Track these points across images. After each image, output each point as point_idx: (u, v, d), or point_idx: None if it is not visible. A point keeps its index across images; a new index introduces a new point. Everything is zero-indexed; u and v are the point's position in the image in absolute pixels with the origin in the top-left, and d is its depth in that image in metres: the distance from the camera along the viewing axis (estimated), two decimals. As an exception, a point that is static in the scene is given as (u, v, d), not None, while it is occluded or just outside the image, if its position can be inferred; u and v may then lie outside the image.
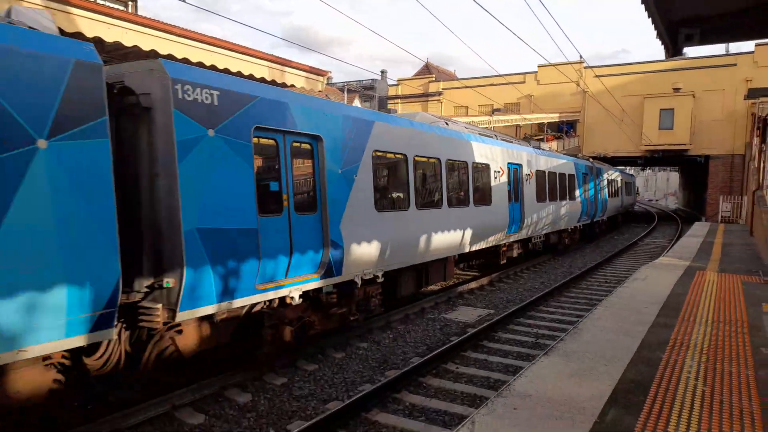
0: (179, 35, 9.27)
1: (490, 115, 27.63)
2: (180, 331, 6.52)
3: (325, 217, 8.13)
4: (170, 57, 9.27)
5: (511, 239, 15.78)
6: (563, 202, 20.36)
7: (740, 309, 8.24)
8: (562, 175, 20.44)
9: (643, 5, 7.17)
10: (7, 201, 4.52)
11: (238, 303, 6.81)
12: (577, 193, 22.35)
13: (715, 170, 34.16)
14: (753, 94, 19.35)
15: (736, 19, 7.94)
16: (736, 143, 33.37)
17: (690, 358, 5.74)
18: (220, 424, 6.17)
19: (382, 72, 51.61)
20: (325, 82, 13.01)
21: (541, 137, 31.85)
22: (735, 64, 33.33)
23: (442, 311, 11.80)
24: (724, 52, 35.53)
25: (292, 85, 12.13)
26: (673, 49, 8.67)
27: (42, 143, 4.78)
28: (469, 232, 12.76)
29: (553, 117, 34.66)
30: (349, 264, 8.66)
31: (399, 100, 44.76)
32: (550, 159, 19.56)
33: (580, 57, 14.92)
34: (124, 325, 5.98)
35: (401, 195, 10.38)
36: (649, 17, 7.58)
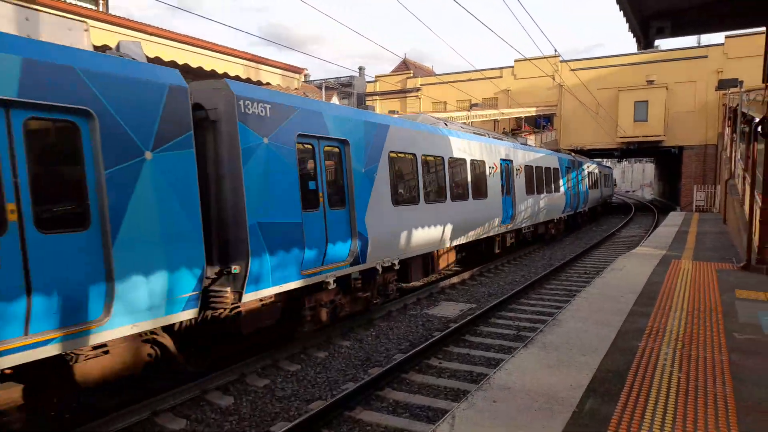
0: (151, 33, 9.14)
1: (468, 110, 27.75)
2: (240, 312, 7.49)
3: (353, 211, 9.30)
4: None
5: (504, 229, 16.99)
6: (549, 195, 21.54)
7: (714, 296, 8.42)
8: (547, 169, 21.57)
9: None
10: (125, 203, 5.59)
11: (287, 287, 7.93)
12: (562, 186, 23.55)
13: (688, 161, 34.82)
14: (723, 85, 19.74)
15: (705, 11, 8.09)
16: (709, 134, 34.05)
17: (666, 346, 5.85)
18: (202, 429, 6.12)
19: (360, 69, 51.41)
20: (302, 79, 12.94)
21: (525, 132, 32.19)
22: (706, 56, 33.97)
23: (424, 307, 11.83)
24: (695, 45, 36.22)
25: (268, 83, 12.05)
26: (645, 42, 8.79)
27: (148, 155, 5.83)
28: (468, 224, 13.98)
29: (531, 111, 34.97)
30: (371, 253, 9.83)
31: (377, 97, 44.72)
32: (537, 154, 20.69)
33: (555, 51, 15.05)
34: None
35: (412, 191, 11.55)
36: (620, 10, 7.68)
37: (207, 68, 10.06)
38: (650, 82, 34.57)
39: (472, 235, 14.40)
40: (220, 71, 10.47)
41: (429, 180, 12.25)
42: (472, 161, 14.50)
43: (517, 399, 4.45)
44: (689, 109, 34.48)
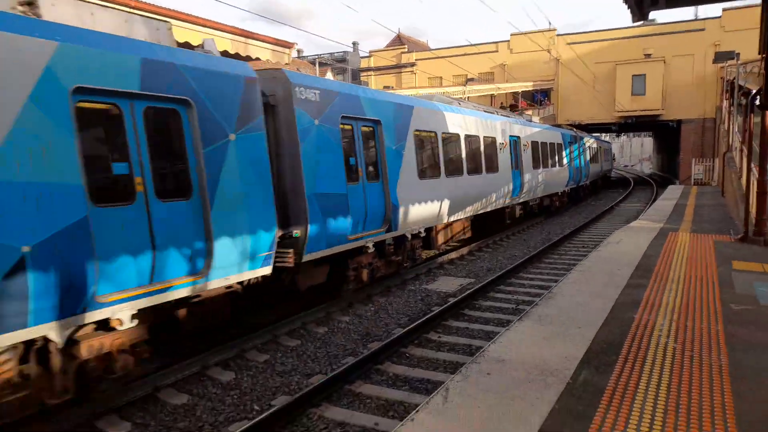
0: (134, 8, 9.00)
1: (464, 85, 27.51)
2: (298, 271, 8.78)
3: (386, 184, 10.51)
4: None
5: (514, 202, 18.20)
6: (553, 169, 22.58)
7: (711, 267, 8.46)
8: (552, 144, 22.53)
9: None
10: (217, 176, 6.75)
11: (336, 249, 9.15)
12: (565, 160, 24.53)
13: (687, 134, 34.72)
14: (719, 57, 19.57)
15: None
16: (707, 107, 33.89)
17: (662, 317, 5.89)
18: (204, 403, 6.19)
19: (354, 44, 50.84)
20: (292, 54, 12.80)
21: (524, 109, 32.03)
22: (704, 29, 33.64)
23: (423, 282, 11.89)
24: (692, 18, 35.84)
25: (257, 58, 11.92)
26: (639, 14, 8.65)
27: (232, 136, 6.97)
28: (482, 196, 15.18)
29: (527, 86, 34.69)
30: (402, 221, 11.05)
31: (372, 73, 44.30)
32: (542, 130, 21.70)
33: (549, 24, 14.87)
34: None
35: (434, 165, 12.60)
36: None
37: (194, 43, 9.92)
38: (648, 55, 34.27)
39: (485, 207, 15.54)
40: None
41: (447, 155, 13.22)
42: (485, 137, 15.49)
43: (510, 371, 4.49)
44: (687, 82, 34.26)
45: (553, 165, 22.60)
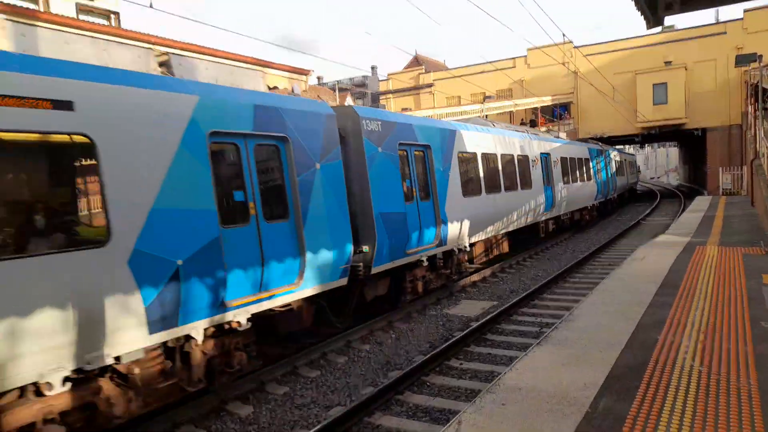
0: (156, 44, 9.26)
1: (482, 103, 27.48)
2: (365, 284, 9.82)
3: (437, 203, 11.50)
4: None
5: (547, 216, 18.98)
6: (582, 184, 23.35)
7: (740, 282, 8.16)
8: (579, 159, 23.37)
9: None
10: (307, 200, 7.84)
11: (398, 263, 10.18)
12: (592, 174, 25.34)
13: (713, 142, 33.90)
14: (741, 60, 19.14)
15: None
16: (733, 113, 33.12)
17: (687, 338, 5.67)
18: (222, 439, 6.15)
19: (373, 68, 51.45)
20: (308, 80, 13.00)
21: (548, 126, 31.96)
22: (725, 33, 33.06)
23: (444, 307, 11.73)
24: (713, 21, 35.28)
25: (275, 87, 12.12)
26: (653, 20, 8.49)
27: (317, 165, 8.13)
28: (518, 212, 16.06)
29: (546, 101, 34.47)
30: (450, 237, 11.98)
31: (391, 95, 44.65)
32: (570, 146, 22.65)
33: (563, 36, 14.87)
34: None
35: (476, 184, 13.60)
36: (623, -16, 7.42)
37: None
38: (668, 63, 33.77)
39: (521, 221, 16.46)
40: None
41: (487, 174, 14.26)
42: (518, 156, 16.49)
43: (527, 400, 4.35)
44: (710, 88, 33.59)
45: (582, 179, 23.32)
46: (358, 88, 49.21)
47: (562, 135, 26.28)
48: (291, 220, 7.67)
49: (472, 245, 13.59)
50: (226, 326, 6.85)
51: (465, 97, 38.90)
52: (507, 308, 10.70)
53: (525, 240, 18.20)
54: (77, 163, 5.66)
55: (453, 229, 12.05)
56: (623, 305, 7.16)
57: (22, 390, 5.03)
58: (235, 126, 6.90)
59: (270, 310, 7.52)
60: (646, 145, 69.36)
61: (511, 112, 31.70)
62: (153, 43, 9.28)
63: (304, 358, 8.46)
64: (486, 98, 30.20)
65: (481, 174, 13.84)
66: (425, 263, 11.24)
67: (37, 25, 8.34)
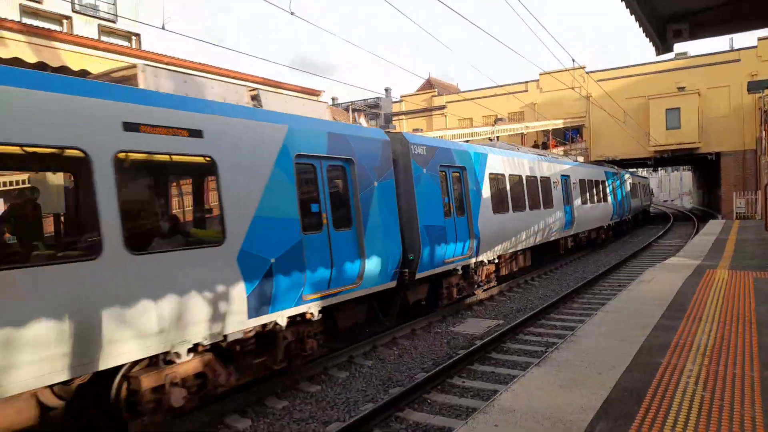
0: (169, 64, 9.43)
1: (493, 125, 27.54)
2: (409, 288, 10.97)
3: (470, 218, 12.76)
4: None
5: (566, 234, 20.18)
6: (599, 204, 24.53)
7: (749, 307, 8.02)
8: (596, 181, 24.58)
9: (624, 3, 7.07)
10: (367, 213, 9.17)
11: (437, 270, 11.45)
12: (609, 196, 26.42)
13: (726, 167, 33.62)
14: (754, 86, 19.08)
15: (725, 11, 7.79)
16: (747, 138, 32.88)
17: (691, 362, 5.56)
18: (219, 452, 6.10)
19: (387, 90, 51.91)
20: (318, 100, 13.16)
21: (559, 148, 32.04)
22: (739, 60, 33.00)
23: (449, 324, 11.64)
24: (727, 48, 35.26)
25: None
26: (663, 47, 8.50)
27: (375, 183, 9.46)
28: (540, 229, 17.13)
29: (558, 124, 34.46)
30: (481, 249, 13.21)
31: (403, 117, 44.89)
32: (588, 169, 24.08)
33: (573, 61, 14.95)
34: None
35: (504, 202, 14.75)
36: (632, 14, 7.45)
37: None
38: (681, 89, 33.71)
39: (543, 238, 17.53)
40: (237, 97, 10.69)
41: (513, 194, 15.46)
42: (541, 177, 17.66)
43: (521, 422, 4.26)
44: (724, 114, 33.42)
45: (599, 200, 24.51)
46: (372, 109, 49.58)
47: (580, 158, 27.52)
48: (354, 230, 8.96)
49: (499, 258, 14.86)
50: (298, 318, 7.96)
51: (477, 119, 39.03)
52: (513, 327, 10.60)
53: (546, 256, 19.19)
54: (203, 179, 7.06)
55: (484, 242, 13.25)
56: (627, 327, 7.04)
57: (152, 359, 6.01)
58: (313, 150, 8.21)
59: (335, 305, 8.72)
60: (660, 168, 68.95)
61: (522, 134, 31.71)
62: (167, 63, 9.47)
63: (305, 372, 8.42)
64: (497, 120, 30.25)
65: (509, 193, 15.07)
66: (459, 272, 12.54)
67: (58, 48, 8.57)
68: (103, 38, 28.86)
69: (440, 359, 9.24)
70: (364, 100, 54.15)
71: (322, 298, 8.19)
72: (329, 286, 8.33)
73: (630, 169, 40.18)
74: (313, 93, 12.87)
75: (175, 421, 6.58)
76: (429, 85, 48.08)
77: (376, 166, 9.55)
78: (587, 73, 35.74)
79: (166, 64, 9.54)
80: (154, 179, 6.69)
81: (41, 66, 8.24)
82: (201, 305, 6.27)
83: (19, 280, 4.77)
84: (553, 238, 18.64)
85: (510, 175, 15.37)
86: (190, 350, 6.26)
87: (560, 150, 32.54)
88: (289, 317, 7.68)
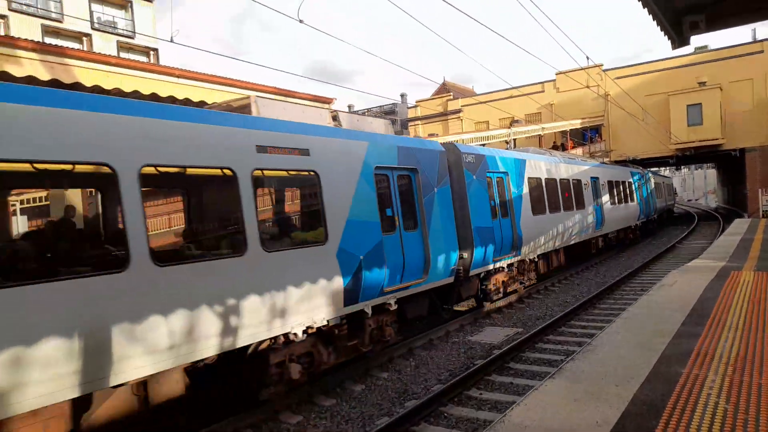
0: (178, 76, 9.50)
1: (509, 128, 27.28)
2: (461, 284, 11.90)
3: (514, 220, 13.84)
4: (174, 98, 9.53)
5: (597, 234, 21.00)
6: (626, 204, 25.15)
7: (776, 311, 7.72)
8: (624, 182, 25.26)
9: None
10: (429, 215, 10.23)
11: (486, 268, 12.60)
12: (635, 196, 27.10)
13: (752, 163, 32.72)
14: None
15: (742, 1, 7.54)
16: (773, 133, 32.00)
17: (713, 372, 5.34)
18: (231, 470, 6.05)
19: (402, 96, 51.99)
20: (331, 109, 13.19)
21: (577, 149, 31.74)
22: (762, 51, 32.15)
23: (467, 333, 11.47)
24: (749, 40, 34.42)
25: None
26: (679, 40, 8.26)
27: (435, 189, 10.55)
28: (574, 228, 18.10)
29: (576, 124, 33.99)
30: (523, 248, 14.24)
31: (419, 122, 44.79)
32: (615, 170, 24.88)
33: (588, 59, 14.74)
34: None
35: (541, 204, 15.72)
36: (644, 7, 7.24)
37: (235, 105, 10.35)
38: (702, 83, 32.96)
39: (577, 238, 18.57)
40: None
41: (549, 196, 16.40)
42: (573, 180, 18.60)
43: (532, 439, 4.10)
44: (747, 108, 32.57)
45: (626, 201, 25.16)
46: (388, 115, 49.64)
47: (606, 160, 28.32)
48: (419, 231, 10.04)
49: (539, 256, 15.80)
50: (365, 311, 8.83)
51: (493, 122, 38.72)
52: (531, 336, 10.39)
53: (579, 255, 20.06)
54: (310, 189, 8.15)
55: (526, 241, 14.31)
56: (647, 335, 6.82)
57: (275, 338, 7.25)
58: (387, 162, 9.44)
59: (404, 297, 9.79)
60: (683, 166, 67.65)
61: (539, 135, 31.35)
62: (177, 76, 9.57)
63: (320, 386, 8.34)
64: (513, 122, 29.97)
65: (545, 196, 16.07)
66: (505, 269, 13.65)
67: (71, 65, 8.70)
68: (122, 54, 29.39)
69: (457, 370, 9.09)
70: (380, 106, 54.26)
71: (397, 290, 9.37)
72: (401, 280, 9.46)
73: (652, 168, 39.47)
74: (325, 101, 12.87)
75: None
76: (444, 89, 47.94)
77: (435, 174, 10.67)
78: (604, 71, 35.25)
79: (178, 76, 9.63)
80: (276, 191, 8.14)
81: (55, 83, 8.38)
82: (312, 293, 7.56)
83: (200, 268, 6.23)
84: (585, 238, 19.50)
85: (546, 178, 16.35)
86: (303, 332, 7.55)
87: (579, 151, 32.07)
88: (373, 306, 8.91)
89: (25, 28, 26.45)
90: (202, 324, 6.03)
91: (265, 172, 7.26)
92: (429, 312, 11.23)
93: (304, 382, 7.91)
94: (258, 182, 7.11)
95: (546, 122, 33.17)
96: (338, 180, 8.26)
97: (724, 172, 52.99)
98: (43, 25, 28.42)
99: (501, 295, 13.71)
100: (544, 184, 16.14)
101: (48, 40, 24.66)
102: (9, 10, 27.72)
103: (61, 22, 28.99)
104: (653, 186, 32.86)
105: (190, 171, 6.51)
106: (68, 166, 5.39)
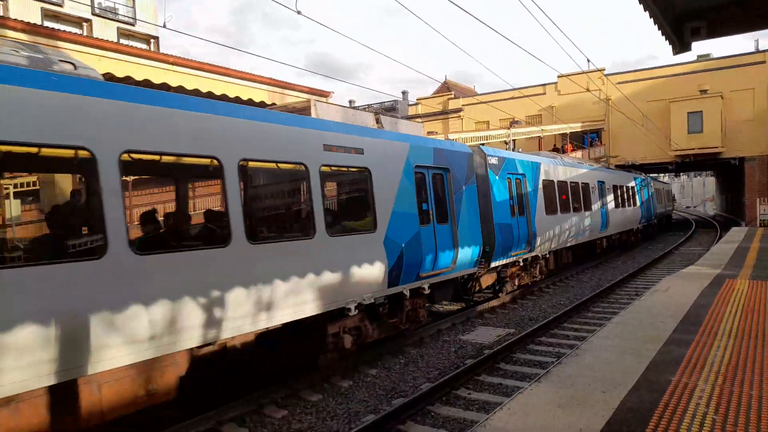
0: (173, 63, 9.38)
1: (509, 128, 27.16)
2: (482, 275, 13.19)
3: (529, 218, 14.96)
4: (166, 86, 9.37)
5: (602, 235, 22.05)
6: (629, 208, 26.20)
7: (769, 321, 7.65)
8: (627, 187, 26.34)
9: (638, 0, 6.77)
10: (458, 210, 11.19)
11: (504, 262, 13.78)
12: (637, 200, 28.03)
13: (751, 172, 32.71)
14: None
15: (746, 7, 7.45)
16: (772, 143, 31.96)
17: (703, 381, 5.26)
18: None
19: (404, 93, 51.83)
20: (327, 101, 13.05)
21: (577, 153, 31.71)
22: (764, 62, 32.12)
23: (458, 332, 11.39)
24: (752, 50, 34.37)
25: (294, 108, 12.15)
26: (680, 46, 8.16)
27: (463, 188, 11.47)
28: (582, 229, 19.16)
29: (576, 127, 33.88)
30: (537, 245, 15.39)
31: (419, 119, 44.63)
32: (619, 175, 25.91)
33: (588, 62, 14.67)
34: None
35: (553, 205, 16.79)
36: (645, 10, 7.14)
37: (231, 95, 10.22)
38: (703, 91, 32.89)
39: (584, 238, 19.61)
40: (244, 97, 10.61)
41: (560, 197, 17.41)
42: (582, 183, 19.63)
43: (514, 444, 4.01)
44: (748, 117, 32.54)
45: (629, 204, 26.18)
46: (389, 112, 49.45)
47: (612, 165, 29.62)
48: (449, 224, 10.94)
49: (550, 253, 16.95)
50: (404, 293, 9.80)
51: (494, 122, 38.61)
52: (523, 336, 10.32)
53: (583, 255, 21.10)
54: (362, 183, 9.10)
55: (539, 239, 15.43)
56: (637, 341, 6.74)
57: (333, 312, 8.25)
58: (424, 161, 10.37)
59: (435, 283, 10.67)
60: (682, 173, 67.67)
61: (539, 138, 31.25)
62: (171, 63, 9.45)
63: (307, 380, 8.26)
64: (513, 123, 29.86)
65: (557, 197, 17.11)
66: (520, 263, 14.82)
67: (61, 48, 8.56)
68: (123, 41, 29.16)
69: (447, 369, 9.01)
70: (381, 103, 54.05)
71: (430, 276, 10.31)
72: (434, 268, 10.36)
73: (651, 174, 39.42)
74: (322, 94, 12.75)
75: (173, 427, 6.49)
76: (445, 88, 47.78)
77: (464, 173, 11.60)
78: (606, 75, 35.15)
79: (172, 63, 9.50)
80: (337, 184, 9.35)
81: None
82: (363, 274, 8.60)
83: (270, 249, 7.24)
84: (590, 238, 20.59)
85: (558, 181, 17.45)
86: (356, 307, 8.52)
87: (578, 154, 31.98)
88: (410, 290, 9.91)
89: (25, 11, 26.24)
90: (280, 295, 7.13)
91: (328, 167, 8.28)
92: (453, 298, 12.60)
93: (354, 351, 9.01)
94: (324, 176, 8.13)
95: (546, 124, 33.08)
96: (385, 176, 9.26)
97: (723, 181, 52.99)
98: (43, 9, 28.22)
99: (515, 287, 14.79)
100: (556, 186, 17.13)
101: (48, 24, 24.48)
102: (10, -8, 27.51)
103: (61, 6, 28.80)
104: (655, 191, 33.68)
105: (279, 165, 7.77)
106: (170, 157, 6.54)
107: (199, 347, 6.35)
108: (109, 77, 8.81)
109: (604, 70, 35.40)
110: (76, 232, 5.70)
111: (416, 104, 46.32)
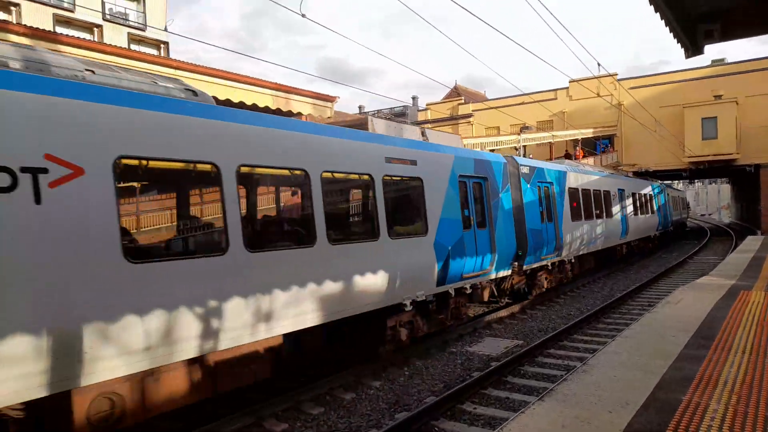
0: (176, 68, 9.33)
1: (519, 134, 26.96)
2: (514, 277, 13.71)
3: (557, 224, 15.71)
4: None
5: (622, 242, 22.72)
6: (647, 216, 26.82)
7: (786, 335, 7.37)
8: (646, 195, 26.99)
9: (651, 3, 6.61)
10: (496, 216, 12.01)
11: (535, 265, 14.43)
12: (654, 207, 28.62)
13: (766, 180, 32.17)
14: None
15: (759, 10, 7.25)
16: (789, 149, 31.43)
17: (716, 400, 5.02)
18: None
19: (414, 98, 51.80)
20: (334, 107, 12.99)
21: (588, 159, 31.47)
22: (780, 66, 31.61)
23: (466, 343, 11.16)
24: (767, 55, 33.84)
25: (299, 113, 12.07)
26: (693, 49, 7.97)
27: (500, 194, 12.33)
28: (604, 235, 19.81)
29: (587, 133, 33.55)
30: (564, 250, 16.12)
31: (429, 125, 44.52)
32: (637, 183, 26.68)
33: (599, 66, 14.46)
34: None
35: (578, 212, 17.51)
36: (656, 12, 6.95)
37: (235, 100, 10.15)
38: (718, 97, 32.43)
39: (606, 244, 20.23)
40: (248, 102, 10.53)
41: (585, 205, 18.11)
42: (604, 191, 20.35)
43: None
44: (764, 123, 32.01)
45: (647, 212, 26.85)
46: (398, 118, 49.44)
47: (630, 174, 30.06)
48: (488, 229, 11.76)
49: (575, 258, 17.52)
50: (449, 292, 10.59)
51: (504, 128, 38.38)
52: (532, 348, 10.08)
53: (605, 261, 21.71)
54: (416, 192, 9.94)
55: (566, 244, 16.14)
56: (646, 356, 6.50)
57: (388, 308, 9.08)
58: (466, 171, 11.24)
59: (476, 284, 11.45)
60: (696, 180, 66.86)
61: (550, 143, 30.98)
62: (175, 68, 9.42)
63: (309, 393, 8.10)
64: (523, 129, 29.63)
65: (581, 204, 17.78)
66: (549, 267, 15.53)
67: (62, 51, 8.53)
68: (133, 46, 29.41)
69: (452, 382, 8.80)
70: (391, 108, 54.10)
71: (471, 277, 11.07)
72: (474, 269, 11.12)
73: (665, 182, 38.96)
74: (327, 99, 12.68)
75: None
76: (456, 93, 47.64)
77: (500, 182, 12.40)
78: (619, 80, 34.82)
79: (175, 68, 9.46)
80: (395, 192, 9.80)
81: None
82: (417, 273, 9.55)
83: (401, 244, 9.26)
84: (611, 244, 21.19)
85: (582, 189, 18.18)
86: (411, 303, 9.38)
87: (590, 161, 31.66)
88: (455, 289, 10.65)
89: (38, 16, 26.54)
90: (357, 289, 8.17)
91: (389, 177, 9.18)
92: (489, 299, 13.14)
93: (408, 344, 9.92)
94: (385, 185, 9.06)
95: (558, 130, 32.79)
96: (435, 185, 10.16)
97: (738, 188, 52.22)
98: (55, 15, 28.51)
99: (543, 289, 15.53)
100: (580, 193, 17.90)
101: (59, 29, 24.69)
102: (22, -1, 27.87)
103: (73, 12, 29.09)
104: (670, 199, 34.21)
105: (349, 176, 8.77)
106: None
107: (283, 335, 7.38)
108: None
109: (616, 75, 35.10)
110: (208, 232, 7.16)
111: (426, 110, 46.21)
